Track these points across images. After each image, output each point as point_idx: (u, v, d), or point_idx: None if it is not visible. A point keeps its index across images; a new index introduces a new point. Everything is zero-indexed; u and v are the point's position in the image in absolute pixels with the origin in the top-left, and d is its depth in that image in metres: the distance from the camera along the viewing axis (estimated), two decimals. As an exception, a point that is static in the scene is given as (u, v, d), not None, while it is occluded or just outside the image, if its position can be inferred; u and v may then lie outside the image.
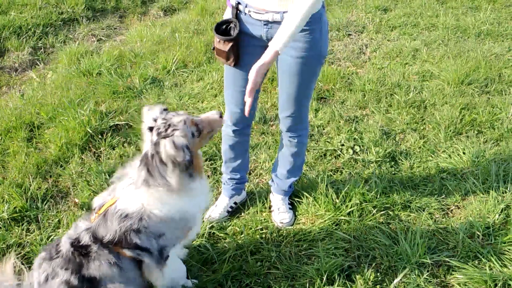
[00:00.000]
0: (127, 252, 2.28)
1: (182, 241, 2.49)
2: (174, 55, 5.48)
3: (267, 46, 2.66)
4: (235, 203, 3.39)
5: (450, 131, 4.16)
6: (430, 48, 5.86)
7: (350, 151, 3.91)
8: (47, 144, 4.03)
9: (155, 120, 2.24)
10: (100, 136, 4.08)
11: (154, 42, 5.99)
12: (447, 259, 2.93)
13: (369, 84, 4.92)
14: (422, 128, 4.28)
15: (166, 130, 2.18)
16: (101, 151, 3.97)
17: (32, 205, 3.41)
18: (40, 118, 4.33)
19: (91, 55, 5.66)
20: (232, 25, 2.64)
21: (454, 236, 3.11)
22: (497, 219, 3.20)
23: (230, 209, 3.37)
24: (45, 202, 3.44)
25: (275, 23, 2.52)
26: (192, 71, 5.32)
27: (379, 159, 3.82)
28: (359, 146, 3.96)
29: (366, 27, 6.51)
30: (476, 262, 2.93)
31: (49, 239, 3.11)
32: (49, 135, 4.09)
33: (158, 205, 2.24)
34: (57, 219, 3.30)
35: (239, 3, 2.59)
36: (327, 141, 4.06)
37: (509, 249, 2.96)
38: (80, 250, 2.26)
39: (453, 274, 2.86)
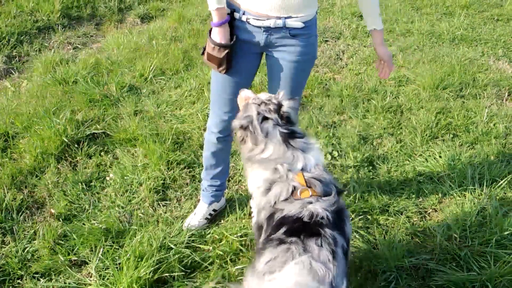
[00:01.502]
0: None
1: None
2: (151, 62, 5.44)
3: (261, 52, 2.71)
4: (214, 210, 3.38)
5: (426, 135, 4.21)
6: (405, 53, 5.93)
7: (329, 156, 3.93)
8: (22, 154, 3.96)
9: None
10: (76, 145, 4.03)
11: (131, 49, 5.95)
12: (425, 262, 2.96)
13: (346, 89, 4.96)
14: (399, 132, 4.32)
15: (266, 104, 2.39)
16: (77, 160, 3.92)
17: (7, 216, 3.34)
18: (15, 128, 4.25)
19: (67, 63, 5.59)
20: None
21: (432, 239, 3.14)
22: (474, 221, 3.23)
23: (209, 216, 3.35)
24: (20, 213, 3.38)
25: (276, 29, 2.52)
26: (170, 79, 5.30)
27: (357, 163, 3.85)
28: (337, 151, 3.98)
29: (343, 33, 6.57)
30: (454, 264, 2.96)
31: (25, 251, 3.05)
32: (24, 145, 4.02)
33: None
34: (32, 230, 3.24)
35: (234, 10, 2.55)
36: (306, 147, 4.07)
37: (486, 251, 3.00)
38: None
39: (431, 277, 2.88)
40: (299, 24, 2.50)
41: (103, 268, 2.90)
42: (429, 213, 3.44)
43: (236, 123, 2.38)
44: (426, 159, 3.93)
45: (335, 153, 3.96)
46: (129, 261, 2.81)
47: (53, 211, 3.39)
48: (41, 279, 2.88)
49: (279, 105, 2.38)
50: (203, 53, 2.65)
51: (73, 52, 6.13)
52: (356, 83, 5.12)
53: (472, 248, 3.04)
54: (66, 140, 4.00)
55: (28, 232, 3.23)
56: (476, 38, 6.41)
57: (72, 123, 4.22)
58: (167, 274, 2.83)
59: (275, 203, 2.18)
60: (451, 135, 4.23)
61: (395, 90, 5.01)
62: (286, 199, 2.16)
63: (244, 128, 2.34)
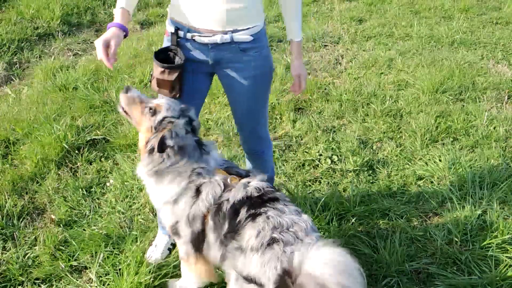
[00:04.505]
0: None
1: None
2: (150, 68, 5.45)
3: (211, 72, 2.56)
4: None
5: (426, 138, 4.21)
6: (404, 57, 5.94)
7: (328, 160, 3.93)
8: (23, 160, 3.96)
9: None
10: (76, 151, 4.04)
11: (131, 55, 5.96)
12: (426, 266, 2.96)
13: (345, 94, 4.96)
14: (398, 136, 4.32)
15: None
16: (78, 166, 3.93)
17: (8, 222, 3.35)
18: (16, 134, 4.26)
19: (67, 70, 5.60)
20: (172, 53, 2.46)
21: (432, 243, 3.14)
22: (474, 225, 3.23)
23: (171, 246, 3.12)
24: (21, 219, 3.38)
25: (225, 45, 2.40)
26: (170, 84, 5.29)
27: (357, 168, 3.85)
28: (337, 156, 3.98)
29: (342, 37, 6.58)
30: (455, 268, 2.95)
31: (26, 257, 3.05)
32: (24, 151, 4.03)
33: None
34: (33, 236, 3.24)
35: (178, 28, 2.42)
36: (305, 152, 4.08)
37: (487, 255, 2.99)
38: None
39: (432, 281, 2.88)
40: (248, 38, 2.39)
41: (104, 274, 2.90)
42: (429, 217, 3.43)
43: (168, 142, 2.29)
44: (426, 163, 3.93)
45: (335, 158, 3.96)
46: (130, 267, 2.81)
47: (53, 217, 3.40)
48: (42, 285, 2.88)
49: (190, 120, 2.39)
50: (150, 80, 2.49)
51: (73, 59, 6.15)
52: (356, 88, 5.12)
53: (473, 252, 3.04)
54: (67, 146, 4.01)
55: (28, 238, 3.23)
56: (475, 42, 6.43)
57: (73, 129, 4.23)
58: (168, 279, 2.83)
59: (214, 200, 2.23)
60: (451, 139, 4.24)
61: (394, 94, 5.02)
62: (223, 192, 2.23)
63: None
